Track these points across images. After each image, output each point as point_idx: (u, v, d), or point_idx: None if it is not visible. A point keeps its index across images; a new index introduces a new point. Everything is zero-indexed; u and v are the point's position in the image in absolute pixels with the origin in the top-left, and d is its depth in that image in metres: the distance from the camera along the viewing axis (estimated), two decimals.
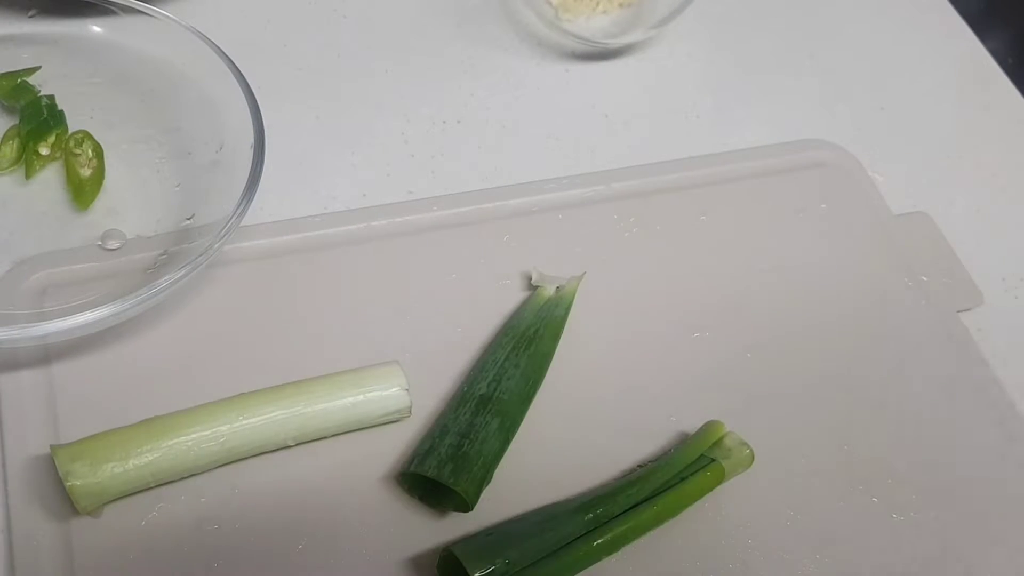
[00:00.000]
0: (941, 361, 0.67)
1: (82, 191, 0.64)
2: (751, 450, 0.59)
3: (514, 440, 0.58)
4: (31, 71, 0.68)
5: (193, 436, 0.54)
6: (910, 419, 0.64)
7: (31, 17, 0.69)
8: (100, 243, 0.63)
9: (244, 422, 0.55)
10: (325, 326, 0.62)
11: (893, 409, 0.64)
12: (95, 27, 0.69)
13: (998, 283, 0.72)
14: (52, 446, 0.53)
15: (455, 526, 0.56)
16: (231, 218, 0.59)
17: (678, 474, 0.57)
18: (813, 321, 0.67)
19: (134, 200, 0.65)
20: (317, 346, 0.61)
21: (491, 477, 0.56)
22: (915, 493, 0.61)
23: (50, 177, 0.66)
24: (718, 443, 0.59)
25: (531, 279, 0.65)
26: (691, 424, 0.61)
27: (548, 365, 0.61)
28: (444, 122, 0.75)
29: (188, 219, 0.64)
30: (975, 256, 0.72)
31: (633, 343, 0.65)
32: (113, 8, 0.68)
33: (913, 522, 0.60)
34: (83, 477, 0.52)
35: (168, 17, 0.67)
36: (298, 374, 0.58)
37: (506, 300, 0.65)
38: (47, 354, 0.59)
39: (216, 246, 0.58)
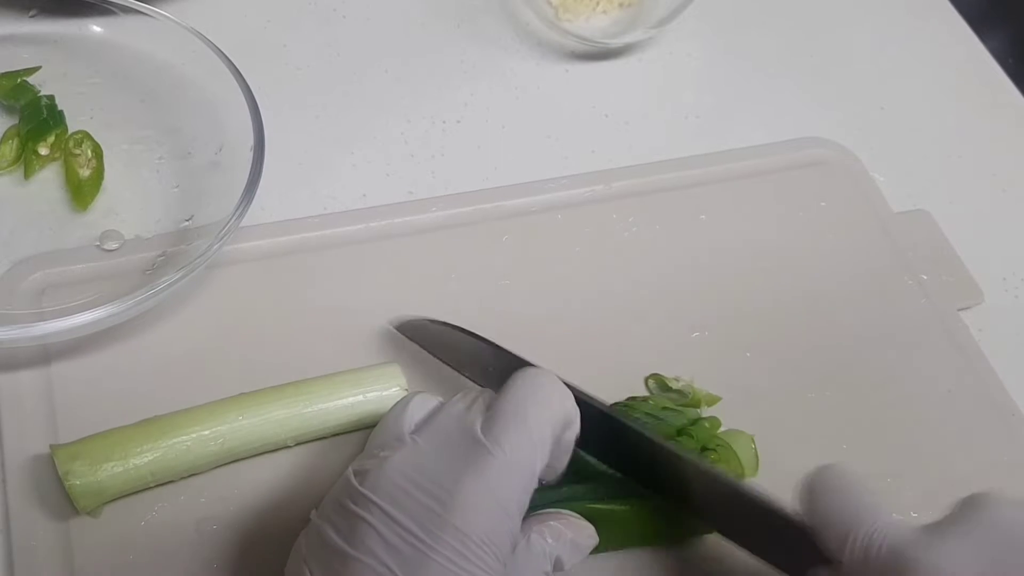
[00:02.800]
0: (941, 360, 0.67)
1: (81, 191, 0.64)
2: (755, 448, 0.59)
3: None
4: (31, 71, 0.68)
5: (193, 436, 0.54)
6: (910, 418, 0.64)
7: (31, 17, 0.69)
8: (99, 244, 0.63)
9: (244, 422, 0.55)
10: (325, 326, 0.62)
11: (893, 408, 0.64)
12: (95, 27, 0.69)
13: (999, 282, 0.72)
14: (52, 445, 0.53)
15: None
16: (230, 219, 0.59)
17: None
18: (813, 320, 0.67)
19: (133, 201, 0.65)
20: (317, 346, 0.61)
21: None
22: (915, 492, 0.61)
23: (49, 177, 0.66)
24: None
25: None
26: None
27: None
28: (444, 122, 0.75)
29: (187, 220, 0.64)
30: (975, 254, 0.72)
31: (632, 343, 0.65)
32: (113, 8, 0.68)
33: (913, 522, 0.60)
34: (83, 476, 0.52)
35: (168, 17, 0.67)
36: (298, 374, 0.58)
37: (505, 300, 0.65)
38: (46, 354, 0.59)
39: (215, 247, 0.58)
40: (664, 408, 0.60)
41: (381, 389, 0.58)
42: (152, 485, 0.54)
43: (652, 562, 0.56)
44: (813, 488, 0.48)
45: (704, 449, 0.58)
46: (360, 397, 0.57)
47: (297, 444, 0.57)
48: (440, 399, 0.51)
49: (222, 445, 0.55)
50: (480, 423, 0.47)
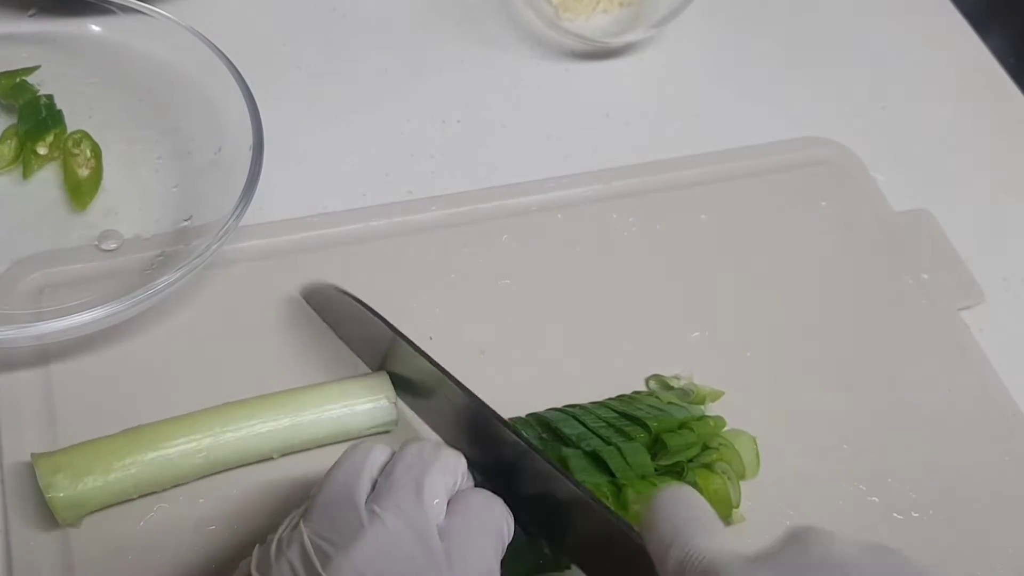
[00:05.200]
0: (941, 360, 0.67)
1: (80, 191, 0.64)
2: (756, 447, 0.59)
3: None
4: (30, 70, 0.68)
5: (176, 448, 0.54)
6: (910, 418, 0.64)
7: (30, 16, 0.69)
8: (97, 243, 0.63)
9: (228, 435, 0.55)
10: (324, 327, 0.62)
11: (893, 408, 0.64)
12: (94, 27, 0.69)
13: (999, 281, 0.72)
14: (33, 455, 0.53)
15: None
16: (229, 219, 0.59)
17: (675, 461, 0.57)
18: (813, 319, 0.67)
19: (132, 200, 0.65)
20: (316, 347, 0.61)
21: None
22: (915, 493, 0.61)
23: (48, 177, 0.66)
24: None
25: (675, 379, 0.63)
26: None
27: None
28: (444, 122, 0.75)
29: (186, 220, 0.64)
30: (976, 254, 0.72)
31: (632, 343, 0.64)
32: (112, 8, 0.68)
33: (913, 521, 0.60)
34: (64, 489, 0.51)
35: (167, 17, 0.67)
36: (296, 374, 0.59)
37: (504, 299, 0.65)
38: (45, 354, 0.59)
39: (214, 247, 0.58)
40: (669, 402, 0.60)
41: (368, 402, 0.57)
42: (135, 497, 0.54)
43: None
44: (653, 502, 0.46)
45: (706, 447, 0.58)
46: (346, 410, 0.57)
47: (281, 456, 0.57)
48: (391, 450, 0.49)
49: (206, 458, 0.54)
50: (441, 520, 0.46)
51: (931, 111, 0.82)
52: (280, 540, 0.45)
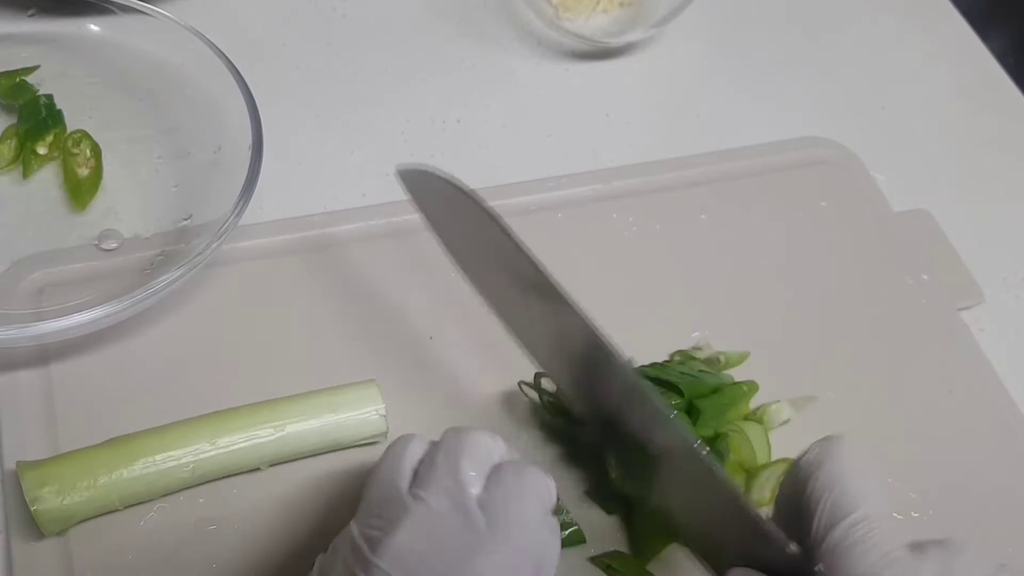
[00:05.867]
0: (941, 360, 0.67)
1: (80, 191, 0.64)
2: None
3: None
4: (30, 70, 0.68)
5: (163, 461, 0.53)
6: (910, 418, 0.64)
7: (30, 16, 0.69)
8: (97, 243, 0.63)
9: (214, 450, 0.54)
10: (323, 326, 0.62)
11: (893, 408, 0.64)
12: (94, 26, 0.69)
13: (999, 281, 0.72)
14: (19, 464, 0.53)
15: None
16: (228, 218, 0.59)
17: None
18: (813, 319, 0.67)
19: (132, 200, 0.65)
20: (315, 346, 0.61)
21: None
22: (915, 493, 0.61)
23: (48, 177, 0.66)
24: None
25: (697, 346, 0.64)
26: None
27: None
28: (444, 122, 0.75)
29: (186, 219, 0.64)
30: (976, 254, 0.72)
31: (632, 343, 0.64)
32: (112, 7, 0.68)
33: (913, 522, 0.60)
34: (50, 502, 0.51)
35: (167, 17, 0.67)
36: (295, 375, 0.59)
37: None
38: (45, 354, 0.59)
39: (213, 246, 0.58)
40: (700, 371, 0.60)
41: (357, 412, 0.57)
42: (120, 508, 0.53)
43: None
44: (819, 462, 0.47)
45: (717, 435, 0.58)
46: (336, 422, 0.56)
47: (270, 467, 0.56)
48: (428, 441, 0.49)
49: (193, 471, 0.54)
50: (479, 492, 0.46)
51: (931, 111, 0.82)
52: (335, 545, 0.46)
